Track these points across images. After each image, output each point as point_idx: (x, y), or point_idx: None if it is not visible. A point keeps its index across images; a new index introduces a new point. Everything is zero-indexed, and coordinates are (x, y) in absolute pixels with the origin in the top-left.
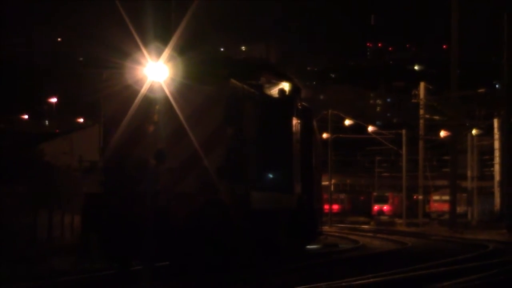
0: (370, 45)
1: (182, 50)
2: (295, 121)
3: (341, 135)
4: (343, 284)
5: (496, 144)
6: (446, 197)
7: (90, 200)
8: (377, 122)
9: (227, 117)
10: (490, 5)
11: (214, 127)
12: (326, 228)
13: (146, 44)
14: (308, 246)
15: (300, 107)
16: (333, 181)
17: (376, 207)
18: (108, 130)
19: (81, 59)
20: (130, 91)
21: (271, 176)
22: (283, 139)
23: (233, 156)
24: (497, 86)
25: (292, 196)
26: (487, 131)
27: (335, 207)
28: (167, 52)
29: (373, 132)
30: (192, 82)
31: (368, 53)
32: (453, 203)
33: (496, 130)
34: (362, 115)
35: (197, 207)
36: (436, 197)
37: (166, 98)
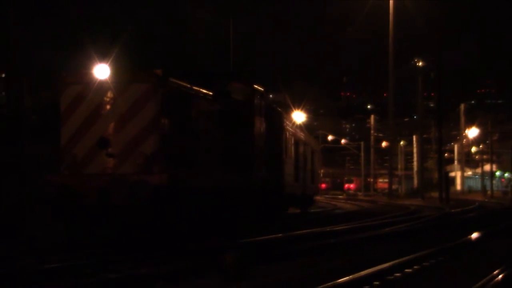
0: (343, 94)
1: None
2: (258, 119)
3: (326, 145)
4: (327, 229)
5: (415, 150)
6: (386, 180)
7: (48, 181)
8: (347, 137)
9: (163, 110)
10: (410, 72)
11: (149, 118)
12: (318, 197)
13: (95, 49)
14: (310, 210)
15: (265, 109)
16: (322, 171)
17: (346, 186)
18: (63, 121)
19: None
20: (81, 88)
21: (229, 161)
22: (244, 133)
23: (170, 143)
24: (415, 117)
25: (254, 177)
26: (409, 142)
27: (323, 186)
28: (112, 55)
29: (345, 143)
30: (131, 80)
31: (341, 98)
32: (390, 183)
33: (414, 142)
34: (338, 134)
35: (132, 187)
36: (380, 180)
37: (110, 94)
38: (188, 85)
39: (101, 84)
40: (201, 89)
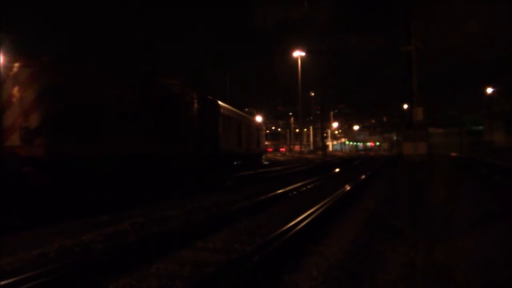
0: (279, 108)
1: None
2: (189, 105)
3: (272, 131)
4: (272, 169)
5: (311, 133)
6: (298, 146)
7: None
8: (281, 127)
9: (47, 91)
10: (309, 98)
11: (33, 98)
12: (268, 155)
13: None
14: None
15: (199, 99)
16: (269, 142)
17: (281, 149)
18: None
19: None
20: None
21: (166, 137)
22: (177, 115)
23: (56, 120)
24: (311, 117)
25: (188, 146)
26: (308, 129)
27: (270, 149)
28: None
29: (280, 130)
30: (19, 65)
31: (278, 110)
32: (300, 148)
33: (311, 130)
34: (277, 126)
35: (16, 159)
36: (296, 146)
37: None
38: (96, 73)
39: None
40: (120, 78)
